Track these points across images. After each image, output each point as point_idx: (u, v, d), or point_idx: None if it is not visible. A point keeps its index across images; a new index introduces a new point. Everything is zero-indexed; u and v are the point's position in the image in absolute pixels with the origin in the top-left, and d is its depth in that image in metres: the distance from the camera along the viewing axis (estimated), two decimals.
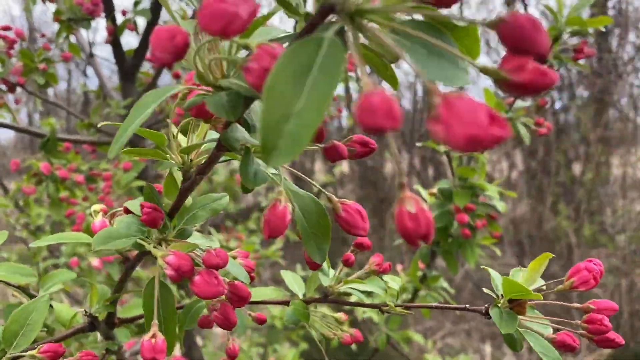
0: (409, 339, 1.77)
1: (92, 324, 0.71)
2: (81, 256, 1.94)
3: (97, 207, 0.63)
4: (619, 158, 5.31)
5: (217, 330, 3.87)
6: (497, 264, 5.70)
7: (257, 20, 0.40)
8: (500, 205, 1.40)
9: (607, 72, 4.85)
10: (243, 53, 0.42)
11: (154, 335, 0.49)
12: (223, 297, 0.54)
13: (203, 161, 0.52)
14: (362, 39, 0.33)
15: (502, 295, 0.61)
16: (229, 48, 0.42)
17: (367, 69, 0.34)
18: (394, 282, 0.73)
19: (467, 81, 0.33)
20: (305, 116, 0.29)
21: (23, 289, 0.77)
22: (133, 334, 1.72)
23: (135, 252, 0.61)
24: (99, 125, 0.58)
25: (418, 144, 1.49)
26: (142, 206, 0.50)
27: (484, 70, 0.30)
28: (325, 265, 0.70)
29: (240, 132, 0.44)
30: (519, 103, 1.43)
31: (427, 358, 2.08)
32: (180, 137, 0.55)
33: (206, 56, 0.41)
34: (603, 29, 1.19)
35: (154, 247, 0.52)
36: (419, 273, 1.57)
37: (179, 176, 0.55)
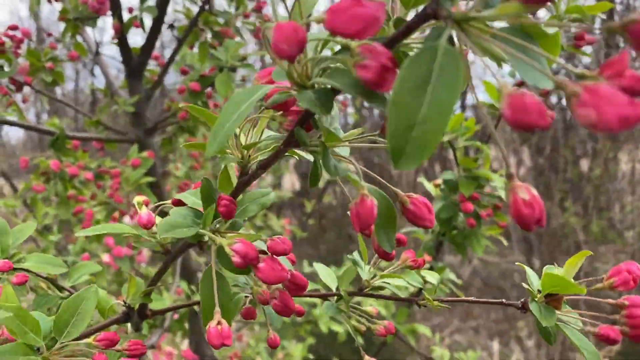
0: (416, 332, 1.78)
1: (127, 315, 0.72)
2: (93, 253, 1.96)
3: (139, 199, 0.65)
4: (627, 154, 5.28)
5: None
6: (505, 261, 5.69)
7: None
8: (505, 194, 1.40)
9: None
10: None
11: (219, 322, 0.50)
12: (281, 285, 0.56)
13: (259, 157, 0.55)
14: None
15: (539, 290, 0.63)
16: (314, 48, 0.44)
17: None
18: (432, 277, 0.75)
19: (550, 84, 0.35)
20: (428, 124, 0.32)
21: (51, 281, 0.78)
22: (149, 328, 1.74)
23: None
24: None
25: None
26: (220, 198, 0.52)
27: (582, 76, 0.31)
28: (360, 259, 0.72)
29: (324, 122, 0.47)
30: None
31: (434, 349, 2.09)
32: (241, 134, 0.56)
33: (301, 57, 0.43)
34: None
35: (220, 234, 0.54)
36: (426, 265, 1.57)
37: (232, 172, 0.58)
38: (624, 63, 0.30)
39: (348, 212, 0.66)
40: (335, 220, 5.81)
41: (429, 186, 1.52)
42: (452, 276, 1.63)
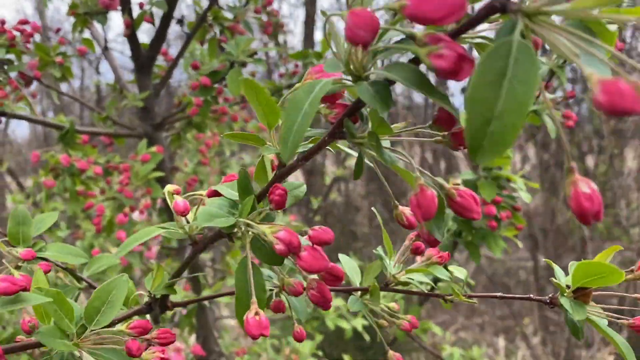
0: (427, 330, 1.77)
1: (150, 306, 0.72)
2: (103, 249, 1.96)
3: (170, 187, 0.65)
4: (633, 150, 5.26)
5: (232, 322, 3.88)
6: (510, 258, 5.68)
7: None
8: (526, 196, 1.39)
9: (621, 64, 4.80)
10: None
11: (257, 313, 0.51)
12: (317, 276, 0.57)
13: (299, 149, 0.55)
14: None
15: (567, 286, 0.64)
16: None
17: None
18: (460, 272, 0.75)
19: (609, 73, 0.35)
20: (505, 118, 0.32)
21: (70, 271, 0.79)
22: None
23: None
24: (223, 135, 0.59)
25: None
26: (275, 187, 0.52)
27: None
28: (386, 255, 0.72)
29: (375, 113, 0.47)
30: (547, 95, 1.42)
31: (444, 348, 2.09)
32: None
33: (360, 49, 0.43)
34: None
35: (259, 224, 0.54)
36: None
37: (268, 163, 0.58)
38: None
39: (372, 208, 0.66)
40: (339, 218, 5.81)
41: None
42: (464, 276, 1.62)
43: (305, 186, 0.60)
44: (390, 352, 0.69)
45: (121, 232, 1.73)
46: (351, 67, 0.44)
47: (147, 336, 0.58)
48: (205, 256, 2.89)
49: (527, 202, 1.40)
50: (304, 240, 0.52)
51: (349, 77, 0.45)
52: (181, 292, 1.83)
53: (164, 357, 0.57)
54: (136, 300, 0.70)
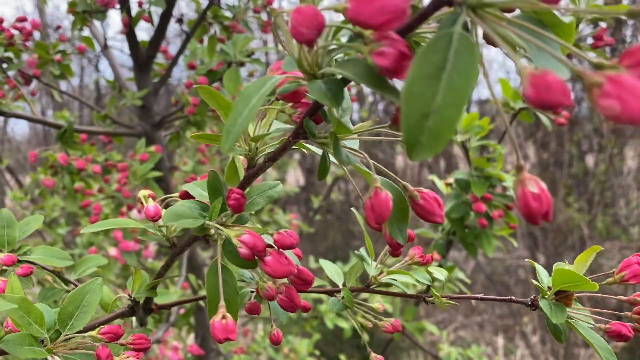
0: (423, 330, 1.77)
1: (132, 309, 0.72)
2: (99, 247, 1.96)
3: (145, 192, 0.64)
4: (633, 149, 5.26)
5: None
6: (509, 257, 5.68)
7: None
8: None
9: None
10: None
11: (223, 316, 0.50)
12: (286, 280, 0.56)
13: (266, 150, 0.54)
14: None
15: (549, 287, 0.62)
16: (325, 36, 0.43)
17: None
18: (440, 273, 0.73)
19: (567, 74, 0.34)
20: (444, 112, 0.31)
21: (57, 274, 0.78)
22: (155, 322, 1.74)
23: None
24: (190, 136, 0.58)
25: None
26: (231, 191, 0.51)
27: (599, 66, 0.30)
28: (367, 255, 0.71)
29: (333, 113, 0.46)
30: None
31: (441, 348, 2.08)
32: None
33: (315, 45, 0.42)
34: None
35: (225, 227, 0.53)
36: (435, 263, 1.57)
37: (240, 164, 0.57)
38: None
39: (352, 208, 0.66)
40: (338, 217, 5.81)
41: (440, 184, 1.51)
42: (462, 275, 1.62)
43: (281, 186, 0.59)
44: (372, 355, 0.69)
45: (118, 231, 1.73)
46: (305, 65, 0.43)
47: (123, 341, 0.57)
48: (205, 255, 2.88)
49: None
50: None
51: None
52: (178, 292, 1.83)
53: None
54: (117, 304, 0.70)
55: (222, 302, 0.51)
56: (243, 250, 0.48)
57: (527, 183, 0.33)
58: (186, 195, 0.57)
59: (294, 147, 0.51)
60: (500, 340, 4.47)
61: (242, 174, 0.56)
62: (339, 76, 0.42)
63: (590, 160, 5.30)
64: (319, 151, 0.51)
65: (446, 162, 5.89)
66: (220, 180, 0.55)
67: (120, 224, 0.62)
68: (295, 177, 6.31)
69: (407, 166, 6.12)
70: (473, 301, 1.76)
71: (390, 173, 0.51)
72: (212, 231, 0.54)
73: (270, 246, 0.51)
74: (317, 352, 2.68)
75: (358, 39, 0.39)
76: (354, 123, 0.50)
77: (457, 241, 1.54)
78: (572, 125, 5.15)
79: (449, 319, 5.00)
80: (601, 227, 5.03)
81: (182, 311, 2.16)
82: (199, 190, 0.57)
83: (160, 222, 0.62)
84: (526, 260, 0.73)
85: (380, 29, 0.34)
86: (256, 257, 0.49)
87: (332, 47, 0.42)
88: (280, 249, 0.50)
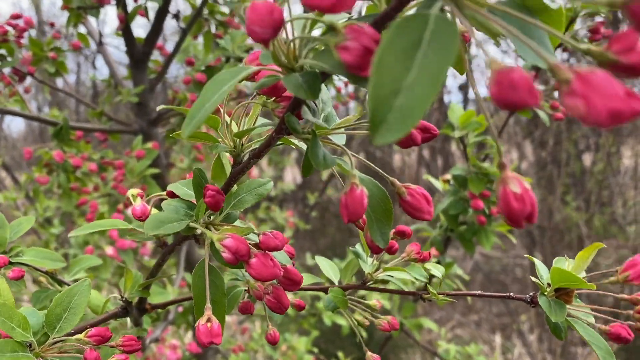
0: (421, 327, 1.76)
1: (126, 309, 0.70)
2: (96, 245, 1.94)
3: (134, 191, 0.63)
4: (631, 148, 5.26)
5: (228, 319, 3.87)
6: (507, 255, 5.69)
7: None
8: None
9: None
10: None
11: (209, 319, 0.48)
12: (275, 281, 0.54)
13: (252, 146, 0.52)
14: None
15: (548, 284, 0.60)
16: (302, 28, 0.41)
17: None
18: (437, 270, 0.72)
19: (544, 65, 0.32)
20: (416, 90, 0.28)
21: (50, 275, 0.77)
22: (152, 321, 1.73)
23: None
24: (158, 109, 0.57)
25: None
26: (207, 188, 0.50)
27: (588, 52, 0.29)
28: (363, 252, 0.70)
29: (308, 114, 0.44)
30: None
31: (439, 344, 2.08)
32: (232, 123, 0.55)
33: (283, 38, 0.41)
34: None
35: (208, 230, 0.52)
36: (433, 260, 1.56)
37: (226, 161, 0.55)
38: (634, 37, 0.27)
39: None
40: (336, 214, 5.80)
41: (436, 182, 1.50)
42: (460, 272, 1.61)
43: (271, 183, 0.58)
44: (369, 354, 0.68)
45: (114, 229, 1.71)
46: (282, 58, 0.41)
47: (112, 343, 0.56)
48: (203, 252, 2.87)
49: None
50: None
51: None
52: (175, 291, 1.81)
53: None
54: (109, 306, 0.69)
55: (208, 305, 0.49)
56: (226, 254, 0.47)
57: (509, 182, 0.31)
58: (173, 195, 0.56)
59: (281, 142, 0.50)
60: (497, 339, 4.47)
61: (229, 171, 0.55)
62: (317, 69, 0.40)
63: (587, 159, 5.30)
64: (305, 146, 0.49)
65: (444, 161, 5.89)
66: (206, 178, 0.53)
67: (108, 226, 0.61)
68: (292, 175, 6.30)
69: (405, 165, 6.12)
70: (469, 299, 1.75)
71: (379, 170, 0.49)
72: (199, 231, 0.52)
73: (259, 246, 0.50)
74: (315, 350, 2.68)
75: (332, 31, 0.36)
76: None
77: (455, 238, 1.53)
78: (570, 124, 5.16)
79: (447, 317, 5.00)
80: (598, 225, 5.04)
81: (180, 309, 2.15)
82: (184, 189, 0.55)
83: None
84: (525, 256, 0.72)
85: (333, 11, 0.32)
86: (238, 262, 0.47)
87: (307, 40, 0.41)
88: (266, 251, 0.49)
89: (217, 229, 0.52)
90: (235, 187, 0.56)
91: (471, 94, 5.65)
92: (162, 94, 4.20)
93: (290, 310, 2.47)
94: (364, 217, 0.48)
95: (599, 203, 5.11)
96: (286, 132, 0.46)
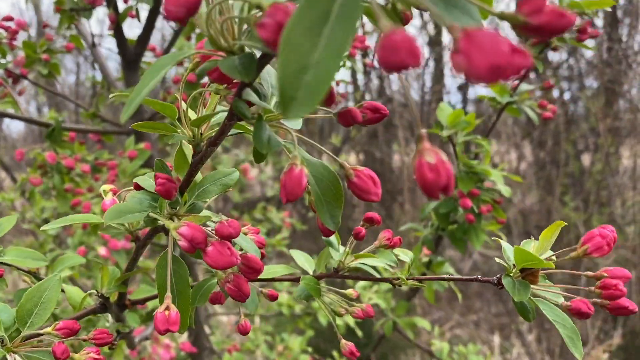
0: (415, 326, 1.77)
1: (104, 305, 0.71)
2: (90, 246, 1.96)
3: (106, 187, 0.64)
4: (629, 149, 5.25)
5: (225, 319, 3.87)
6: None
7: None
8: (505, 190, 1.39)
9: (617, 62, 4.80)
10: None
11: (167, 308, 0.49)
12: (236, 269, 0.55)
13: (213, 134, 0.52)
14: None
15: (514, 265, 0.61)
16: (240, 9, 0.41)
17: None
18: (405, 255, 0.72)
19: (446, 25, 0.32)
20: (323, 66, 0.28)
21: (34, 274, 0.78)
22: (143, 320, 1.74)
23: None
24: (111, 96, 0.57)
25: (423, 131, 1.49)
26: (156, 177, 0.50)
27: (502, 16, 0.29)
28: (335, 240, 0.70)
29: (252, 96, 0.44)
30: (524, 87, 1.42)
31: (434, 343, 2.08)
32: (190, 112, 0.55)
33: (218, 19, 0.41)
34: (608, 13, 1.17)
35: (171, 221, 0.52)
36: (425, 259, 1.57)
37: (189, 151, 0.56)
38: None
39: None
40: None
41: None
42: (451, 270, 1.62)
43: (237, 173, 0.58)
44: (343, 341, 0.69)
45: None
46: (221, 42, 0.41)
47: (84, 337, 0.57)
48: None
49: (506, 195, 1.40)
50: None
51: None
52: None
53: (98, 358, 0.55)
54: (88, 301, 0.70)
55: (168, 294, 0.50)
56: (182, 242, 0.47)
57: (424, 153, 0.31)
58: (139, 187, 0.56)
59: (239, 132, 0.50)
60: (496, 339, 4.47)
61: (190, 162, 0.55)
62: (251, 50, 0.40)
63: (586, 159, 5.29)
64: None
65: None
66: (168, 170, 0.54)
67: (81, 220, 0.62)
68: None
69: (404, 165, 6.11)
70: (460, 297, 1.75)
71: (329, 153, 0.50)
72: (161, 222, 0.53)
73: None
74: (310, 349, 2.69)
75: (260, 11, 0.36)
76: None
77: (446, 237, 1.54)
78: (569, 125, 5.16)
79: (445, 317, 5.00)
80: (597, 226, 5.03)
81: None
82: (150, 181, 0.56)
83: None
84: (493, 238, 0.73)
85: None
86: (194, 250, 0.48)
87: (240, 20, 0.41)
88: (222, 239, 0.49)
89: (180, 220, 0.53)
90: (199, 177, 0.57)
91: (471, 94, 5.65)
92: (158, 95, 4.21)
93: (285, 310, 2.48)
94: (314, 199, 0.49)
95: (598, 203, 5.11)
96: (237, 119, 0.46)
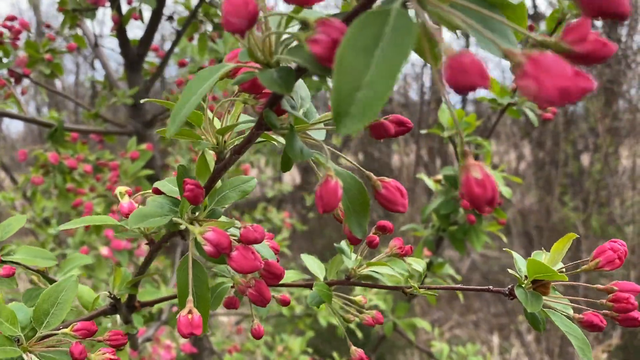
0: (415, 327, 1.77)
1: (114, 307, 0.71)
2: (91, 246, 1.95)
3: (122, 189, 0.64)
4: (628, 149, 5.26)
5: (224, 319, 3.87)
6: (505, 255, 5.69)
7: None
8: (505, 191, 1.40)
9: (617, 62, 4.81)
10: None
11: (190, 311, 0.49)
12: (257, 274, 0.56)
13: (236, 143, 0.53)
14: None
15: (525, 276, 0.62)
16: (278, 24, 0.43)
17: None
18: (418, 264, 0.73)
19: (500, 54, 0.33)
20: (374, 87, 0.30)
21: (42, 274, 0.78)
22: (146, 321, 1.74)
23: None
24: (142, 101, 0.58)
25: (423, 132, 1.50)
26: (185, 182, 0.51)
27: (544, 44, 0.30)
28: (347, 248, 0.71)
29: (287, 107, 0.45)
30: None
31: (434, 345, 2.09)
32: (215, 120, 0.56)
33: (259, 34, 0.42)
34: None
35: (192, 225, 0.53)
36: (425, 260, 1.58)
37: (210, 158, 0.56)
38: (587, 27, 0.29)
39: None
40: (333, 214, 5.79)
41: (429, 182, 1.52)
42: (452, 271, 1.63)
43: (255, 180, 0.59)
44: (353, 348, 0.69)
45: (109, 229, 1.72)
46: (258, 54, 0.42)
47: (100, 338, 0.57)
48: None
49: (506, 197, 1.40)
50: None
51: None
52: (169, 290, 1.82)
53: (113, 358, 0.56)
54: (99, 302, 0.70)
55: (190, 297, 0.51)
56: (208, 247, 0.48)
57: (470, 169, 0.33)
58: (159, 192, 0.57)
59: (262, 139, 0.51)
60: (495, 339, 4.47)
61: (212, 168, 0.55)
62: (291, 63, 0.41)
63: (585, 159, 5.30)
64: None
65: (442, 161, 5.90)
66: (190, 175, 0.54)
67: (97, 221, 0.62)
68: (291, 176, 6.31)
69: (403, 165, 6.12)
70: (462, 298, 1.76)
71: (355, 164, 0.50)
72: (183, 226, 0.53)
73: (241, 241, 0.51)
74: (311, 350, 2.69)
75: (305, 27, 0.38)
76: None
77: (447, 238, 1.55)
78: (568, 125, 5.16)
79: (445, 317, 5.01)
80: (596, 226, 5.04)
81: (174, 309, 2.16)
82: (170, 186, 0.56)
83: None
84: (504, 250, 0.73)
85: (307, 3, 0.34)
86: (219, 255, 0.49)
87: (284, 36, 0.42)
88: (246, 244, 0.50)
89: (200, 224, 0.53)
90: (219, 183, 0.57)
91: (470, 94, 5.65)
92: (160, 95, 4.21)
93: (285, 311, 2.48)
94: (342, 209, 0.50)
95: (597, 203, 5.12)
96: (265, 128, 0.47)
